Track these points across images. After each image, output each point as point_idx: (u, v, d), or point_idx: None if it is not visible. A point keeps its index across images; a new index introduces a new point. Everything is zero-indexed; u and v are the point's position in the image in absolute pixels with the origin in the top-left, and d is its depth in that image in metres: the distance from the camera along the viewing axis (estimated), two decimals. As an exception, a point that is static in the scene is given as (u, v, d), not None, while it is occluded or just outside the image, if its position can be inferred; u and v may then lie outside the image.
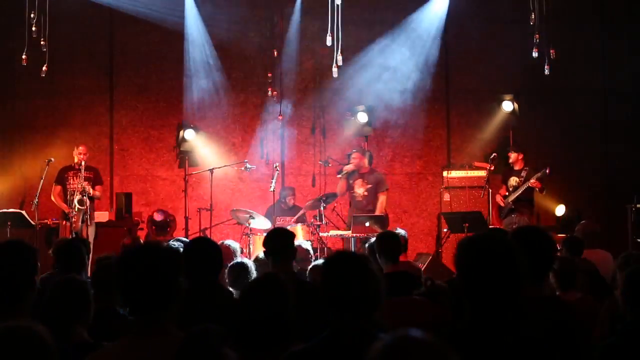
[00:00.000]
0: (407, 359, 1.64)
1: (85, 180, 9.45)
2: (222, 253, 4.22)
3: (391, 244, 4.97)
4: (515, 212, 9.54)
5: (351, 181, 9.62)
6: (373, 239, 5.44)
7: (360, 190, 9.43)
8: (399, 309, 4.07)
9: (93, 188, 9.57)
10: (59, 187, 9.61)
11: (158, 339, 2.41)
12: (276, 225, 9.59)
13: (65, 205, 9.49)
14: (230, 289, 4.43)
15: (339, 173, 9.58)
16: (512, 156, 9.78)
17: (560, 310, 3.15)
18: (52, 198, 9.64)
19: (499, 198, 9.72)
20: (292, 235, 4.81)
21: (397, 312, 3.97)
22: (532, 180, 9.35)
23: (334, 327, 2.51)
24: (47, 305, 3.35)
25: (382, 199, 9.41)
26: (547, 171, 9.30)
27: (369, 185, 9.44)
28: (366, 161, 9.62)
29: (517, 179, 9.61)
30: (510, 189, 9.67)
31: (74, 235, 8.83)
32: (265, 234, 4.96)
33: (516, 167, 9.75)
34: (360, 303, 2.50)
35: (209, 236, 8.63)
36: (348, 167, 9.49)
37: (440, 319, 3.97)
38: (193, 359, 2.26)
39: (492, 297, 2.36)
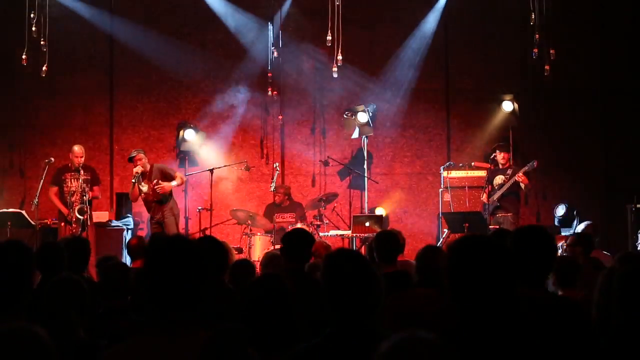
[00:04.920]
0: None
1: (83, 182, 9.41)
2: (228, 253, 4.24)
3: (388, 243, 4.97)
4: (500, 209, 9.52)
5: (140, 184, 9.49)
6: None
7: (144, 188, 9.38)
8: (404, 302, 4.08)
9: (91, 189, 9.55)
10: (55, 188, 9.58)
11: (182, 338, 2.35)
12: (276, 223, 9.63)
13: (64, 207, 9.48)
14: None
15: (133, 178, 9.38)
16: (500, 156, 9.76)
17: (558, 307, 3.14)
18: (50, 198, 9.63)
19: (484, 197, 9.68)
20: (310, 239, 4.93)
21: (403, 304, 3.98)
22: (519, 174, 9.33)
23: (335, 326, 2.50)
24: (47, 305, 3.35)
25: (177, 175, 9.57)
26: (535, 164, 9.29)
27: (154, 180, 9.36)
28: (146, 161, 9.51)
29: (503, 177, 9.60)
30: (496, 187, 9.65)
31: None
32: (285, 232, 5.06)
33: (502, 166, 9.75)
34: (362, 302, 2.50)
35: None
36: (137, 170, 9.34)
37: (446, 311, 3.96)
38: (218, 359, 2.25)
39: (479, 299, 2.36)
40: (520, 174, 9.33)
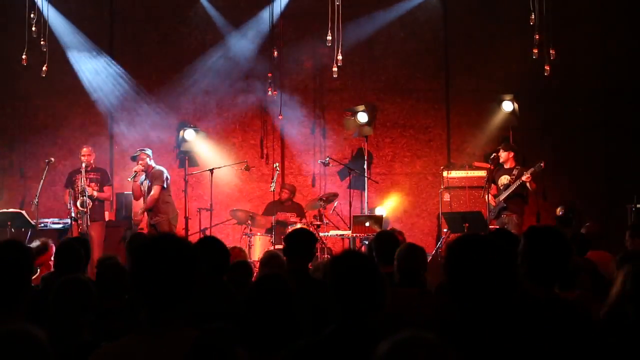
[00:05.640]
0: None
1: (91, 181, 9.46)
2: (229, 253, 4.24)
3: (388, 244, 4.96)
4: (506, 210, 9.51)
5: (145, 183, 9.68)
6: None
7: (144, 189, 9.60)
8: (404, 301, 4.09)
9: (101, 189, 9.59)
10: (69, 191, 9.62)
11: (170, 336, 2.37)
12: (277, 222, 9.65)
13: (73, 207, 9.50)
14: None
15: (130, 177, 9.59)
16: (503, 155, 9.73)
17: (557, 306, 3.15)
18: (64, 201, 9.67)
19: (490, 198, 9.67)
20: (313, 238, 4.94)
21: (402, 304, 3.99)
22: (526, 175, 9.32)
23: (339, 324, 2.52)
24: (53, 305, 3.35)
25: (153, 190, 9.46)
26: (542, 165, 9.27)
27: (149, 184, 9.56)
28: (151, 161, 9.67)
29: (509, 177, 9.58)
30: (502, 187, 9.63)
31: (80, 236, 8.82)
32: (288, 233, 5.08)
33: (507, 166, 9.72)
34: (366, 301, 2.51)
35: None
36: (137, 168, 9.51)
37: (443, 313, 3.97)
38: (206, 358, 2.25)
39: (478, 299, 2.36)
40: (527, 175, 9.30)
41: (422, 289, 4.33)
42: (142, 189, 9.53)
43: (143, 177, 9.58)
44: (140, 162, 9.49)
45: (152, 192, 9.40)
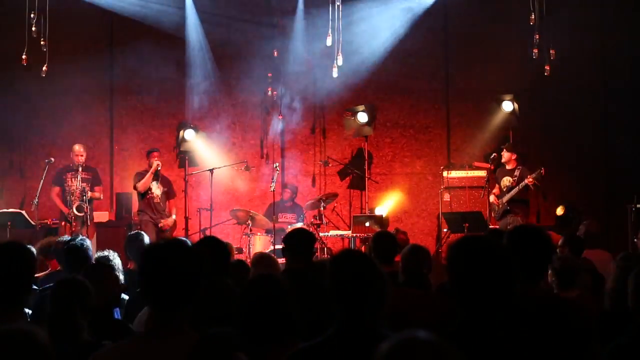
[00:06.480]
0: (413, 360, 1.65)
1: (83, 181, 9.45)
2: (230, 253, 4.24)
3: (386, 244, 4.96)
4: (510, 212, 9.51)
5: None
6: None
7: (157, 191, 9.87)
8: (412, 301, 4.10)
9: (92, 189, 9.59)
10: (57, 188, 9.64)
11: (172, 339, 2.38)
12: (277, 222, 9.66)
13: (65, 207, 9.51)
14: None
15: (155, 175, 9.80)
16: (506, 155, 9.74)
17: (556, 306, 3.16)
18: (52, 199, 9.68)
19: (493, 198, 9.68)
20: (312, 238, 4.95)
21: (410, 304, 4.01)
22: (528, 179, 9.31)
23: (339, 325, 2.51)
24: (50, 305, 3.35)
25: (174, 208, 10.13)
26: (542, 172, 9.28)
27: (165, 188, 9.93)
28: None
29: (511, 179, 9.59)
30: (504, 189, 9.64)
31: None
32: (287, 233, 5.10)
33: (508, 167, 9.73)
34: (366, 301, 2.50)
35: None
36: (159, 164, 9.82)
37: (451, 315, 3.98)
38: None
39: (482, 300, 2.37)
40: (530, 178, 9.28)
41: (426, 290, 4.34)
42: (151, 185, 9.70)
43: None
44: (158, 158, 9.78)
45: (173, 208, 10.04)
